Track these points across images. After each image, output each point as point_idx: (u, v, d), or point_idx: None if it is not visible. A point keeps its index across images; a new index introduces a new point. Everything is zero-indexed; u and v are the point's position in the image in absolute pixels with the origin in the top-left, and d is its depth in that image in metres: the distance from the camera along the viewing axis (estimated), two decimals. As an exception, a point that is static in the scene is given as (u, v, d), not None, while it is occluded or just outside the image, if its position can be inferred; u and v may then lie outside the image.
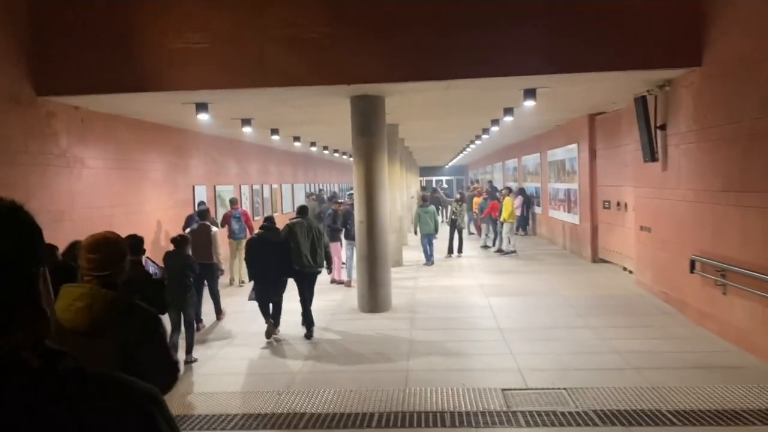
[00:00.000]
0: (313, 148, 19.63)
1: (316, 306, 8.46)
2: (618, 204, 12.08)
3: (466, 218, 18.36)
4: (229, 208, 12.38)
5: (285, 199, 22.23)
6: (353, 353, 7.33)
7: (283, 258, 7.77)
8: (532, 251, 16.03)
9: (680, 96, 8.28)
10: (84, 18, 7.86)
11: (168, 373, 2.57)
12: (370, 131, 9.07)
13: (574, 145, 14.45)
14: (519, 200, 18.54)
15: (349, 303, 9.86)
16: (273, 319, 7.87)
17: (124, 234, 8.98)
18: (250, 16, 7.81)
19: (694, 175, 7.96)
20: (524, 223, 19.71)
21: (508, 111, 11.32)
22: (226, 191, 15.89)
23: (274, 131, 13.91)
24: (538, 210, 19.30)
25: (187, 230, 9.58)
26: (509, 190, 16.23)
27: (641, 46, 7.49)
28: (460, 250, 15.45)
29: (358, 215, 9.27)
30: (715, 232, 7.38)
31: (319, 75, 7.86)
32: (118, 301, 2.47)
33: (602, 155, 13.05)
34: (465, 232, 16.87)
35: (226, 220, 12.04)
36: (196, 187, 13.87)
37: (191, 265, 7.24)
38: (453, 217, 15.51)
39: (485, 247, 16.75)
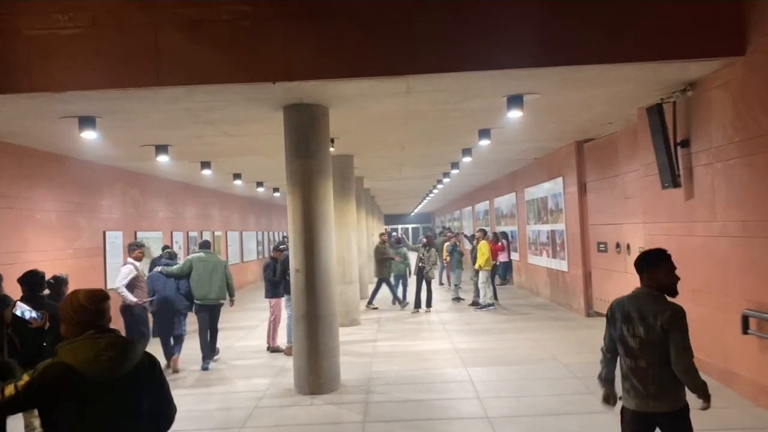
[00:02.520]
0: (261, 189, 17.32)
1: (239, 386, 7.41)
2: (617, 245, 10.04)
3: (438, 266, 16.17)
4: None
5: (232, 248, 19.76)
6: (275, 468, 4.92)
7: (186, 292, 8.21)
8: (512, 303, 13.81)
9: (711, 100, 6.37)
10: None
11: (172, 414, 2.60)
12: (308, 150, 6.86)
13: (559, 180, 12.49)
14: (504, 244, 16.57)
15: (285, 380, 7.41)
16: (175, 351, 8.21)
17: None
18: (138, -9, 5.68)
19: (738, 202, 5.96)
20: (507, 270, 17.61)
21: (485, 133, 9.31)
22: (153, 238, 13.42)
23: (205, 164, 11.61)
24: (515, 256, 17.18)
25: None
26: (483, 232, 13.91)
27: (663, 32, 5.63)
28: (429, 304, 13.14)
29: (293, 261, 6.91)
30: (783, 277, 5.32)
31: (235, 70, 5.75)
32: (140, 347, 2.50)
33: (594, 188, 11.07)
34: (435, 282, 14.59)
35: None
36: (107, 233, 11.39)
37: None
38: (420, 264, 13.18)
39: (457, 299, 14.49)
